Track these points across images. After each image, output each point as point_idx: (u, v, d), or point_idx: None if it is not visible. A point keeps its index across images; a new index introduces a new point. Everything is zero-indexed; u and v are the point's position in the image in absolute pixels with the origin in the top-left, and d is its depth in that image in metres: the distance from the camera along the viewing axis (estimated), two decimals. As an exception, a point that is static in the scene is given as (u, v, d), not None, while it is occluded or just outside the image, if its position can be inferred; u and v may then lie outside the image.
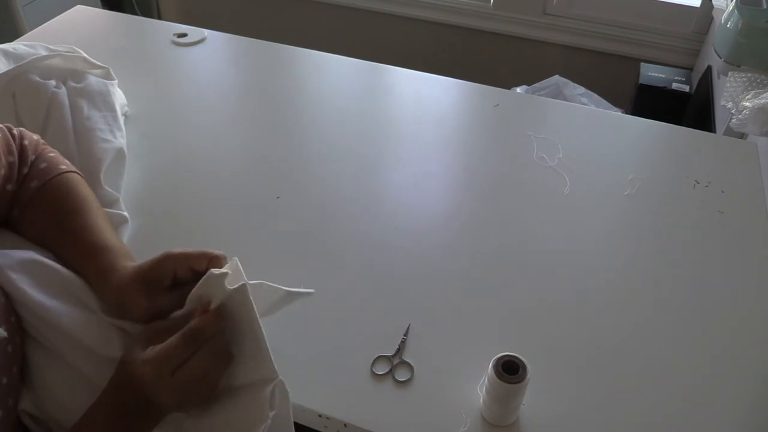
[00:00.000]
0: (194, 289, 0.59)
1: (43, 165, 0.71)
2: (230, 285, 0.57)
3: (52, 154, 0.74)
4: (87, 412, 0.57)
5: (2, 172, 0.66)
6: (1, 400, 0.56)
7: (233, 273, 0.58)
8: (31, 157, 0.71)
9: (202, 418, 0.59)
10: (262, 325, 0.57)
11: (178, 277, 0.61)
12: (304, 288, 0.68)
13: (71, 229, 0.67)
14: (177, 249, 0.62)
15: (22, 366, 0.60)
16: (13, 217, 0.69)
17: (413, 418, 0.63)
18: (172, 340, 0.54)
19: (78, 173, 0.74)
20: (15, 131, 0.71)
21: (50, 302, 0.60)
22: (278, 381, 0.58)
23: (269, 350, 0.57)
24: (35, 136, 0.74)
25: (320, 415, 0.63)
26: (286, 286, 0.66)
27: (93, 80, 0.97)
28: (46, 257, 0.65)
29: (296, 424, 0.66)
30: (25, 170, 0.69)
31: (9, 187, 0.68)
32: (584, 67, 2.25)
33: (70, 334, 0.60)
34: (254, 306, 0.57)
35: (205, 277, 0.58)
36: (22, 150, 0.70)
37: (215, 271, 0.57)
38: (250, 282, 0.58)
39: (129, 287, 0.61)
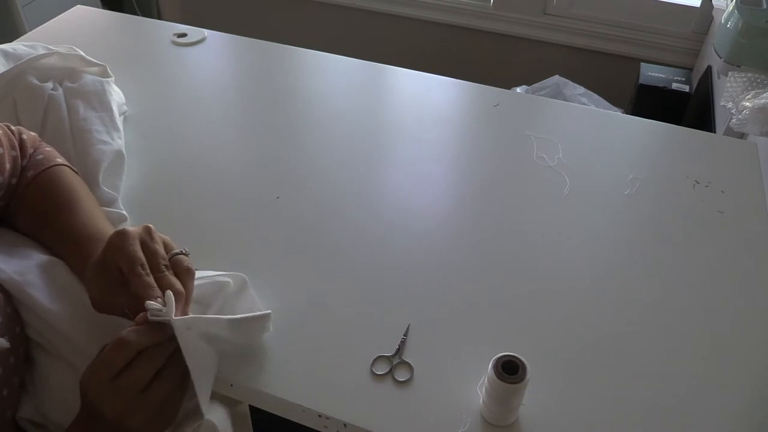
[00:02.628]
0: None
1: (40, 157, 0.72)
2: (153, 318, 0.55)
3: (49, 149, 0.75)
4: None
5: (8, 166, 0.67)
6: (0, 412, 0.56)
7: (165, 308, 0.55)
8: (30, 150, 0.72)
9: None
10: (193, 360, 0.55)
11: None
12: (259, 311, 0.66)
13: (62, 218, 0.68)
14: (121, 238, 0.58)
15: (24, 376, 0.60)
16: (10, 208, 0.70)
17: (413, 418, 0.63)
18: (107, 347, 0.53)
19: (73, 169, 0.75)
20: (13, 128, 0.73)
21: (56, 308, 0.60)
22: (206, 421, 0.58)
23: (201, 387, 0.56)
24: (32, 133, 0.76)
25: (320, 415, 0.63)
26: (256, 307, 0.66)
27: (89, 79, 0.97)
28: (52, 259, 0.65)
29: (296, 424, 0.66)
30: (24, 162, 0.71)
31: (14, 180, 0.69)
32: (584, 67, 2.25)
33: (74, 340, 0.60)
34: (183, 341, 0.55)
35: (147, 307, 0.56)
36: (21, 144, 0.72)
37: (151, 303, 0.55)
38: (187, 317, 0.56)
39: (88, 277, 0.60)
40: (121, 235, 0.58)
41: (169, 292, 0.56)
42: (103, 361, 0.53)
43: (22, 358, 0.60)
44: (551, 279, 0.79)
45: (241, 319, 0.63)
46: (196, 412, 0.58)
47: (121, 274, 0.58)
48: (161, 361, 0.55)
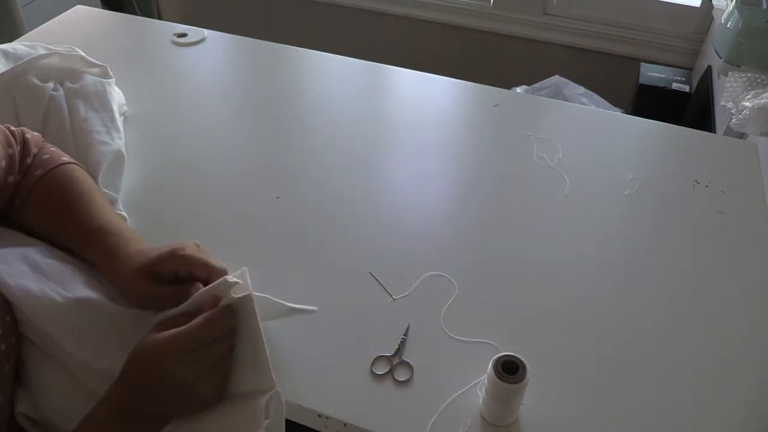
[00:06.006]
0: (204, 290, 0.59)
1: (46, 156, 0.73)
2: (237, 294, 0.57)
3: (54, 148, 0.76)
4: (88, 413, 0.56)
5: (3, 164, 0.67)
6: None
7: (242, 282, 0.59)
8: (34, 150, 0.73)
9: (196, 424, 0.58)
10: (264, 336, 0.58)
11: (179, 275, 0.62)
12: (308, 306, 0.68)
13: (76, 214, 0.69)
14: (184, 248, 0.62)
15: (16, 364, 0.61)
16: (15, 206, 0.70)
17: (413, 418, 0.63)
18: (195, 321, 0.56)
19: (80, 165, 0.76)
20: (14, 128, 0.73)
21: (47, 312, 0.60)
22: (275, 392, 0.59)
23: (269, 361, 0.58)
24: (36, 133, 0.76)
25: (320, 415, 0.63)
26: (287, 300, 0.67)
27: (89, 80, 0.97)
28: (49, 258, 0.65)
29: (296, 424, 0.66)
30: (29, 160, 0.71)
31: (10, 178, 0.69)
32: (584, 67, 2.25)
33: (64, 342, 0.60)
34: (258, 317, 0.58)
35: (217, 282, 0.59)
36: (25, 143, 0.72)
37: (229, 278, 0.58)
38: (256, 294, 0.59)
39: (133, 275, 0.63)
40: (181, 244, 0.63)
41: (245, 268, 0.60)
42: (190, 332, 0.55)
43: (13, 346, 0.60)
44: (551, 279, 0.79)
45: (297, 308, 0.66)
46: (265, 385, 0.59)
47: (173, 275, 0.62)
48: (230, 347, 0.59)
